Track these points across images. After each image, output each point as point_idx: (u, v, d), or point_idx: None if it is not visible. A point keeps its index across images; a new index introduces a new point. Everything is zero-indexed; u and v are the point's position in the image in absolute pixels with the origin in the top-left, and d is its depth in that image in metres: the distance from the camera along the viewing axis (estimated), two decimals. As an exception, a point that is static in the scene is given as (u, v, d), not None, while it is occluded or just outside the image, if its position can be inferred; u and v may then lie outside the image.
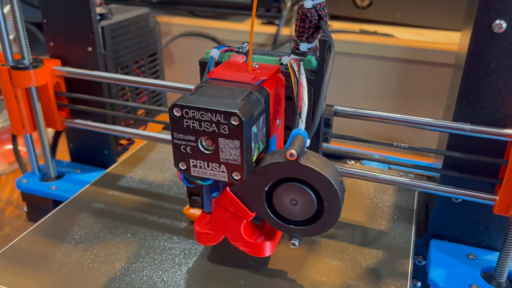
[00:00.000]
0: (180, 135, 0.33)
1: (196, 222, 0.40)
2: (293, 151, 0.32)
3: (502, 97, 0.41)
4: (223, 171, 0.33)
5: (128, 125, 0.61)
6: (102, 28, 0.54)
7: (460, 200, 0.45)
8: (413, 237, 0.46)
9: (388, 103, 0.88)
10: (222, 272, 0.41)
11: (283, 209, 0.35)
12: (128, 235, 0.45)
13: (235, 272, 0.41)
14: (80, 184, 0.54)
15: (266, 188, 0.35)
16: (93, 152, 0.60)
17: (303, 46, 0.40)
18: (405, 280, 0.41)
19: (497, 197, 0.42)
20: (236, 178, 0.33)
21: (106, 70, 0.55)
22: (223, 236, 0.38)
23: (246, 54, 0.39)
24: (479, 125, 0.41)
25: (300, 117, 0.34)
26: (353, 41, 0.87)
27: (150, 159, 0.59)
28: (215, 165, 0.33)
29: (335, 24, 0.99)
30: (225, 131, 0.31)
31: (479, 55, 0.40)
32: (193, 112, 0.32)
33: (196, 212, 0.44)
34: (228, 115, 0.31)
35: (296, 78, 0.36)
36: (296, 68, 0.36)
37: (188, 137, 0.33)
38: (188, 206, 0.45)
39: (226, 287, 0.39)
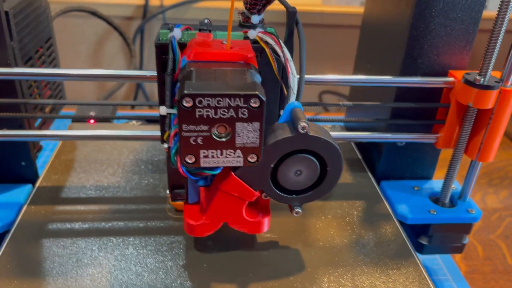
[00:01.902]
0: (191, 126, 0.30)
1: (185, 216, 0.37)
2: (305, 124, 0.32)
3: (438, 51, 0.47)
4: (238, 156, 0.32)
5: (40, 127, 0.52)
6: (6, 12, 0.44)
7: (404, 143, 0.52)
8: (374, 181, 0.51)
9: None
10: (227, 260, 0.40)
11: (287, 182, 0.36)
12: (114, 249, 0.40)
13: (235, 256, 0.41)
14: (9, 208, 0.45)
15: (273, 165, 0.34)
16: (4, 166, 0.50)
17: (255, 18, 0.39)
18: (391, 219, 0.46)
19: (438, 135, 0.49)
20: (252, 160, 0.32)
21: (16, 65, 0.46)
22: (221, 223, 0.37)
23: (210, 31, 0.37)
24: (422, 77, 0.47)
25: (292, 89, 0.34)
26: (225, 7, 0.87)
27: (82, 160, 0.52)
28: (230, 152, 0.31)
29: None
30: (244, 114, 0.30)
31: (423, 16, 0.45)
32: (207, 100, 0.29)
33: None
34: (248, 97, 0.29)
35: (274, 51, 0.35)
36: (272, 42, 0.36)
37: (200, 128, 0.30)
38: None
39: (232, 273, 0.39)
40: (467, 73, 0.45)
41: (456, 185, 0.51)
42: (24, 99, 0.47)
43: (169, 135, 0.35)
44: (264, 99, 0.30)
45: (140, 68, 0.88)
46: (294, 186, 0.36)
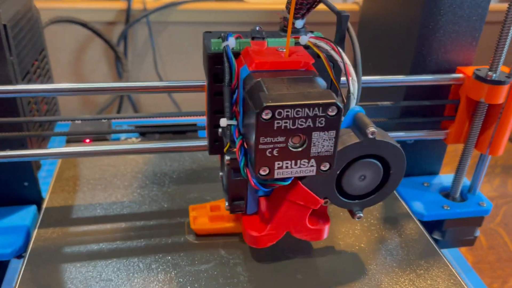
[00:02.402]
0: (268, 138, 0.30)
1: (247, 227, 0.37)
2: (374, 129, 0.33)
3: (446, 49, 0.48)
4: (312, 166, 0.31)
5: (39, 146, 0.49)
6: (4, 26, 0.41)
7: (412, 141, 0.53)
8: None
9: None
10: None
11: (351, 187, 0.36)
12: (132, 271, 0.39)
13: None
14: (16, 232, 0.43)
15: (338, 172, 0.34)
16: (7, 188, 0.47)
17: (299, 23, 0.39)
18: (410, 218, 0.47)
19: (447, 131, 0.50)
20: (324, 169, 0.32)
21: (16, 81, 0.43)
22: (284, 233, 0.37)
23: (264, 38, 0.36)
24: (433, 74, 0.48)
25: (353, 95, 0.34)
26: (209, 9, 0.86)
27: (85, 178, 0.50)
28: (304, 161, 0.31)
29: None
30: (321, 124, 0.30)
31: (432, 14, 0.46)
32: (287, 111, 0.29)
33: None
34: (326, 106, 0.29)
35: (331, 57, 0.35)
36: (327, 47, 0.35)
37: (277, 139, 0.30)
38: (194, 222, 0.42)
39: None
40: (477, 69, 0.47)
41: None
42: (26, 116, 0.45)
43: (229, 147, 0.34)
44: (341, 107, 0.29)
45: (119, 76, 0.85)
46: (357, 191, 0.36)
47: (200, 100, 0.48)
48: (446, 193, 0.53)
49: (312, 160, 0.31)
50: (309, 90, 0.30)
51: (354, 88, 0.34)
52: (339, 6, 0.94)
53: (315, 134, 0.30)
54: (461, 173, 0.51)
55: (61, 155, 0.44)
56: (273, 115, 0.29)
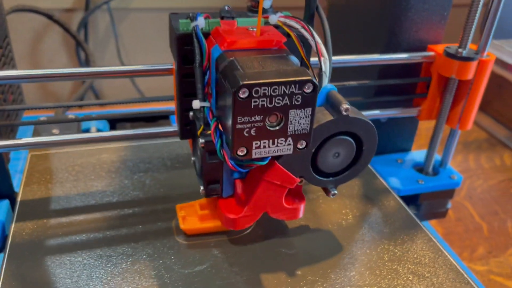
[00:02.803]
0: (246, 118, 0.29)
1: (224, 211, 0.36)
2: (348, 106, 0.33)
3: (417, 27, 0.49)
4: (289, 144, 0.31)
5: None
6: None
7: (386, 119, 0.53)
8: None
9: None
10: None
11: (325, 165, 0.36)
12: (123, 277, 0.37)
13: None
14: None
15: (313, 150, 0.34)
16: None
17: (267, 3, 0.39)
18: (389, 193, 0.48)
19: (420, 108, 0.51)
20: (301, 147, 0.32)
21: None
22: (261, 214, 0.37)
23: (233, 18, 0.36)
24: (406, 53, 0.49)
25: (325, 73, 0.34)
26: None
27: (58, 170, 0.48)
28: (281, 140, 0.31)
29: None
30: (297, 101, 0.30)
31: None
32: (264, 89, 0.28)
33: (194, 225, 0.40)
34: (302, 83, 0.29)
35: (301, 36, 0.35)
36: (298, 26, 0.35)
37: (255, 118, 0.29)
38: (184, 222, 0.40)
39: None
40: (447, 47, 0.48)
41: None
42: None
43: (203, 129, 0.34)
44: (317, 83, 0.29)
45: (87, 63, 0.83)
46: (331, 168, 0.36)
47: (165, 88, 0.47)
48: (420, 168, 0.54)
49: (289, 139, 0.31)
50: (284, 68, 0.30)
51: (325, 66, 0.34)
52: None
53: (291, 112, 0.30)
54: (434, 148, 0.52)
55: (33, 145, 0.42)
56: (250, 93, 0.28)
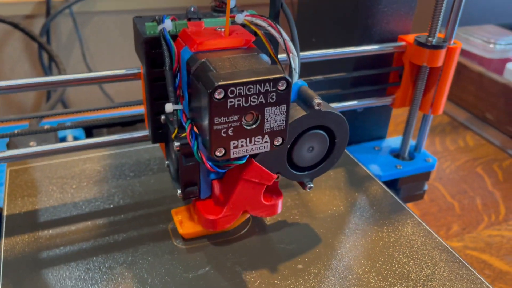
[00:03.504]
0: (222, 118, 0.29)
1: (203, 212, 0.36)
2: (320, 101, 0.33)
3: (388, 19, 0.50)
4: (266, 141, 0.32)
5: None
6: None
7: (362, 109, 0.55)
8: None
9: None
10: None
11: (300, 160, 0.36)
12: (122, 274, 0.36)
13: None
14: None
15: (289, 145, 0.35)
16: None
17: (232, 3, 0.39)
18: (372, 179, 0.49)
19: (393, 96, 0.53)
20: (277, 144, 0.32)
21: None
22: (241, 213, 0.37)
23: (200, 19, 0.36)
24: (378, 44, 0.50)
25: (295, 70, 0.35)
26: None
27: (42, 183, 0.46)
28: (258, 138, 0.31)
29: None
30: (272, 99, 0.30)
31: None
32: (239, 89, 0.28)
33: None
34: (276, 81, 0.29)
35: (269, 33, 0.35)
36: (265, 24, 0.35)
37: (231, 118, 0.29)
38: (182, 227, 0.40)
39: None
40: (417, 36, 0.49)
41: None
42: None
43: (178, 132, 0.34)
44: (290, 80, 0.30)
45: (50, 70, 0.81)
46: (306, 162, 0.37)
47: (134, 91, 0.47)
48: (396, 154, 0.56)
49: (266, 136, 0.31)
50: (256, 67, 0.30)
51: (295, 63, 0.35)
52: None
53: (267, 110, 0.30)
54: (409, 134, 0.53)
55: (14, 158, 0.41)
56: (226, 94, 0.28)
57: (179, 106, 0.33)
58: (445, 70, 0.49)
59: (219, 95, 0.28)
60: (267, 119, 0.30)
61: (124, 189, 0.46)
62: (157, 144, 0.51)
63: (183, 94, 0.34)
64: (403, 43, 0.50)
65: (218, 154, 0.31)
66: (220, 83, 0.28)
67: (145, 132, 0.44)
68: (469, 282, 0.37)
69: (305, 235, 0.41)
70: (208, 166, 0.32)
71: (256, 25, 0.35)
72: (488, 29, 0.90)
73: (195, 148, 0.32)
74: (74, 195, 0.45)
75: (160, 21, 0.34)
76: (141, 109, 0.55)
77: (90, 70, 0.85)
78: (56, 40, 0.81)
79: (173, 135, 0.34)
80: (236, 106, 0.29)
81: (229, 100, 0.29)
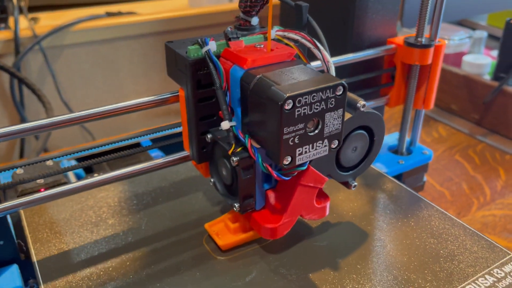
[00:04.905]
0: (290, 128, 0.31)
1: (262, 222, 0.37)
2: (364, 102, 0.36)
3: (376, 25, 0.54)
4: (325, 145, 0.33)
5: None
6: None
7: (358, 111, 0.58)
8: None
9: (158, 77, 0.89)
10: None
11: (346, 160, 0.38)
12: None
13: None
14: None
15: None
16: None
17: (255, 20, 0.41)
18: (384, 176, 0.51)
19: (387, 96, 0.56)
20: (334, 147, 0.34)
21: None
22: (297, 218, 0.38)
23: (239, 38, 0.37)
24: (371, 49, 0.53)
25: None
26: (103, 26, 0.82)
27: (60, 220, 0.45)
28: (319, 143, 0.33)
29: (83, 12, 0.88)
30: (331, 104, 0.32)
31: None
32: (305, 98, 0.30)
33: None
34: (335, 87, 0.31)
35: (304, 46, 0.38)
36: (298, 37, 0.37)
37: (298, 126, 0.31)
38: (220, 238, 0.41)
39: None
40: (407, 38, 0.53)
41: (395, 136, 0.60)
42: None
43: (234, 148, 0.35)
44: (346, 85, 0.32)
45: (22, 105, 0.78)
46: (350, 162, 0.39)
47: (113, 126, 0.46)
48: (395, 150, 0.59)
49: (325, 140, 0.33)
50: (312, 76, 0.32)
51: (332, 69, 0.37)
52: (213, 8, 0.95)
53: (327, 115, 0.32)
54: (405, 130, 0.57)
55: (37, 202, 0.39)
56: (294, 104, 0.30)
57: (234, 123, 0.34)
58: (434, 67, 0.53)
59: (288, 106, 0.30)
60: (327, 124, 0.32)
61: (148, 215, 0.46)
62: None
63: (234, 111, 0.35)
64: (393, 45, 0.54)
65: (285, 162, 0.32)
66: (289, 94, 0.30)
67: (177, 155, 0.44)
68: (490, 250, 0.41)
69: (334, 233, 0.43)
70: (275, 175, 0.33)
71: (289, 38, 0.38)
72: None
73: (260, 160, 0.33)
74: (99, 228, 0.44)
75: (203, 43, 0.35)
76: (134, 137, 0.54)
77: (65, 104, 0.83)
78: (28, 77, 0.79)
79: (230, 151, 0.35)
80: (302, 114, 0.31)
81: (296, 110, 0.30)
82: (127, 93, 0.90)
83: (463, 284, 0.38)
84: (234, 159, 0.35)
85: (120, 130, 0.69)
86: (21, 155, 0.83)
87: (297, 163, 0.33)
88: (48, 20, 0.85)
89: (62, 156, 0.43)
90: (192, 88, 0.36)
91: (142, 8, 0.96)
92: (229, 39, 0.36)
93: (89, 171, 0.57)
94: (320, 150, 0.33)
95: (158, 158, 0.43)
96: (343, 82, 0.32)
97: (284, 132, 0.31)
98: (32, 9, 0.84)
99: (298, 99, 0.30)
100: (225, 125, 0.34)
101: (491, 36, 1.08)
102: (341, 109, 0.33)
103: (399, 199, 0.48)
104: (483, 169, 0.76)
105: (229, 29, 0.37)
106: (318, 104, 0.31)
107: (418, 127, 0.58)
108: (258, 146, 0.34)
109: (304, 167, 0.35)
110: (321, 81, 0.31)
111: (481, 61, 0.88)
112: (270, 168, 0.33)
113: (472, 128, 0.87)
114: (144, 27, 0.86)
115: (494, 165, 0.77)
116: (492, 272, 0.39)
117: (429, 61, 0.52)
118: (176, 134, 0.49)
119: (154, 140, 0.58)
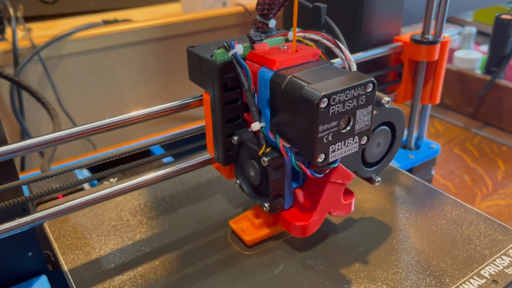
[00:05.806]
0: (325, 126, 0.31)
1: (292, 221, 0.38)
2: (388, 98, 0.37)
3: (383, 24, 0.55)
4: (356, 142, 0.34)
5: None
6: None
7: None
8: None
9: (156, 84, 0.89)
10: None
11: (370, 156, 0.39)
12: None
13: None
14: None
15: (363, 143, 0.38)
16: (8, 265, 0.39)
17: (272, 23, 0.41)
18: (398, 171, 0.52)
19: (395, 93, 0.57)
20: (363, 143, 0.35)
21: None
22: (326, 215, 0.39)
23: (262, 40, 0.38)
24: (380, 47, 0.54)
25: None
26: (100, 34, 0.82)
27: (85, 228, 0.45)
28: (351, 140, 0.34)
29: (75, 21, 0.88)
30: (362, 101, 0.33)
31: None
32: (339, 96, 0.31)
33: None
34: (366, 84, 0.32)
35: (323, 46, 0.38)
36: (318, 37, 0.38)
37: (331, 124, 0.32)
38: (246, 234, 0.42)
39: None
40: (413, 35, 0.54)
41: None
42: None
43: (265, 148, 0.35)
44: (376, 82, 0.33)
45: (22, 115, 0.77)
46: (374, 158, 0.40)
47: (113, 134, 0.45)
48: (403, 145, 0.60)
49: (356, 137, 0.34)
50: (341, 75, 0.33)
51: (353, 67, 0.38)
52: (207, 12, 0.96)
53: (358, 112, 0.33)
54: (413, 125, 0.58)
55: (64, 212, 0.38)
56: (329, 102, 0.31)
57: (263, 124, 0.35)
58: (440, 62, 0.55)
59: (323, 104, 0.31)
60: (358, 120, 0.33)
61: (173, 219, 0.46)
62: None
63: (263, 111, 0.36)
64: (400, 43, 0.55)
65: (319, 160, 0.33)
66: (324, 93, 0.30)
67: (200, 158, 0.44)
68: (504, 233, 0.43)
69: (355, 224, 0.44)
70: (309, 173, 0.34)
71: (310, 39, 0.38)
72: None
73: (293, 159, 0.34)
74: (125, 234, 0.44)
75: (229, 47, 0.35)
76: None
77: (66, 113, 0.82)
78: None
79: (260, 152, 0.35)
80: (336, 112, 0.32)
81: (331, 108, 0.31)
82: (127, 101, 0.90)
83: (483, 265, 0.39)
84: (265, 159, 0.35)
85: (121, 138, 0.69)
86: (22, 167, 0.82)
87: (330, 160, 0.33)
88: (42, 31, 0.84)
89: (81, 167, 0.43)
90: (219, 91, 0.37)
91: (136, 15, 0.96)
92: (254, 42, 0.37)
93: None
94: (351, 146, 0.34)
95: (170, 163, 0.43)
96: (372, 79, 0.32)
97: (319, 130, 0.31)
98: (26, 19, 0.83)
99: (332, 97, 0.31)
100: (256, 126, 0.35)
101: (479, 32, 1.11)
102: (371, 106, 0.33)
103: (414, 191, 0.49)
104: (482, 161, 0.78)
105: (252, 31, 0.38)
106: (350, 101, 0.32)
107: (425, 122, 0.60)
108: (288, 145, 0.35)
109: (336, 164, 0.35)
110: (352, 79, 0.32)
111: (472, 56, 0.90)
112: (303, 166, 0.34)
113: (467, 121, 0.89)
114: (141, 34, 0.86)
115: (493, 156, 0.79)
116: (508, 253, 0.40)
117: (436, 57, 0.54)
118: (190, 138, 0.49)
119: (165, 146, 0.58)
